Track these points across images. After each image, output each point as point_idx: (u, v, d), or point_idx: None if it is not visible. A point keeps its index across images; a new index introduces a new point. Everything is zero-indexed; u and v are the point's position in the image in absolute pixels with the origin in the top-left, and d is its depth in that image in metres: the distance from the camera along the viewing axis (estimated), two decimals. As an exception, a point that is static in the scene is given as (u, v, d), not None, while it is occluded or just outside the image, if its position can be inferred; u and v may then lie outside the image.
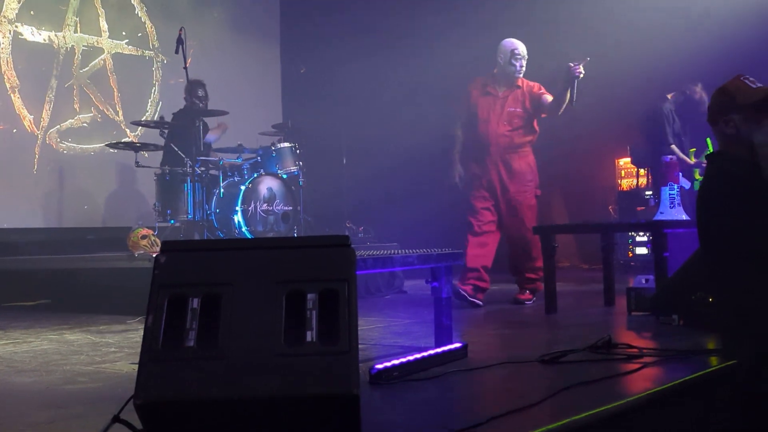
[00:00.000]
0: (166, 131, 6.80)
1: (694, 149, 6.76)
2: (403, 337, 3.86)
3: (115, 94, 8.40)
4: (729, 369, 2.62)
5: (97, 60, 8.27)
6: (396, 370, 2.55)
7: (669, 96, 6.92)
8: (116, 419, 1.86)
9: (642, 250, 7.99)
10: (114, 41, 8.43)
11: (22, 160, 7.63)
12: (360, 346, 1.88)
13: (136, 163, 6.52)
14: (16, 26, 7.68)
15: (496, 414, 2.00)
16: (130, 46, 8.57)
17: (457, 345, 3.00)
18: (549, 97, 5.28)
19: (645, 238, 7.80)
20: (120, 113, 8.39)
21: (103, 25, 8.35)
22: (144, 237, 5.82)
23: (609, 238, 4.97)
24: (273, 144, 6.97)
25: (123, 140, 7.74)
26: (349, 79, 8.82)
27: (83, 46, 8.17)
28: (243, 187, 6.42)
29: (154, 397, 1.72)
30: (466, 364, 2.82)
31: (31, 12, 7.80)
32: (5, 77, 7.56)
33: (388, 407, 2.26)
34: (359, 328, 1.84)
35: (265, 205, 6.54)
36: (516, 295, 5.36)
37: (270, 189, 6.60)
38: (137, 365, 1.77)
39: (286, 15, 10.04)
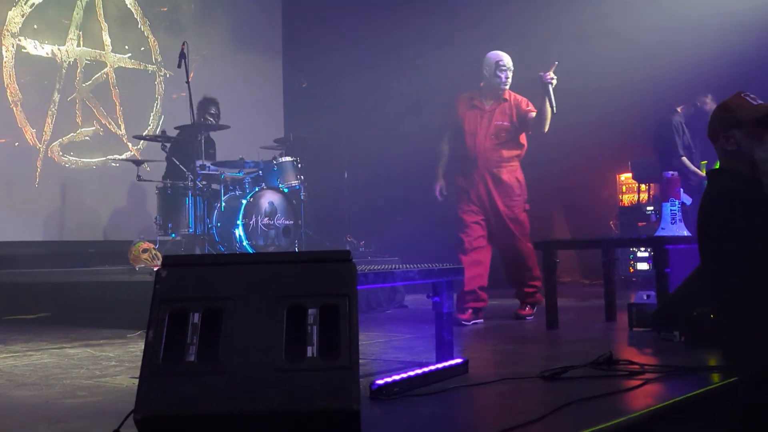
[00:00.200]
0: (168, 145, 6.81)
1: (706, 161, 6.73)
2: (404, 352, 3.86)
3: (118, 107, 8.42)
4: (730, 386, 2.62)
5: (99, 74, 8.30)
6: (397, 385, 2.55)
7: (678, 109, 6.93)
8: (116, 434, 1.86)
9: (643, 266, 7.99)
10: (117, 55, 8.46)
11: (23, 173, 7.64)
12: (361, 361, 1.88)
13: (138, 176, 6.52)
14: (20, 40, 7.71)
15: (497, 430, 1.99)
16: (132, 60, 8.60)
17: (458, 360, 2.99)
18: (534, 114, 5.25)
19: (646, 254, 7.80)
20: (122, 127, 8.40)
21: (106, 39, 8.38)
22: (145, 251, 5.83)
23: (610, 253, 4.95)
24: (274, 158, 6.97)
25: (125, 155, 7.74)
26: (351, 93, 8.84)
27: (86, 59, 8.20)
28: (244, 201, 6.43)
29: (154, 411, 1.72)
30: (467, 380, 2.81)
31: (35, 26, 7.83)
32: (8, 91, 7.59)
33: (389, 423, 2.26)
34: (360, 343, 1.84)
35: (267, 219, 6.54)
36: (517, 311, 5.36)
37: (271, 203, 6.60)
38: (138, 379, 1.77)
39: (289, 29, 10.07)
